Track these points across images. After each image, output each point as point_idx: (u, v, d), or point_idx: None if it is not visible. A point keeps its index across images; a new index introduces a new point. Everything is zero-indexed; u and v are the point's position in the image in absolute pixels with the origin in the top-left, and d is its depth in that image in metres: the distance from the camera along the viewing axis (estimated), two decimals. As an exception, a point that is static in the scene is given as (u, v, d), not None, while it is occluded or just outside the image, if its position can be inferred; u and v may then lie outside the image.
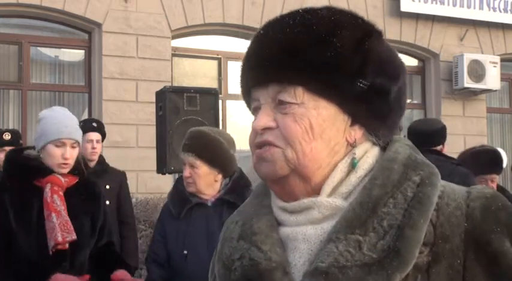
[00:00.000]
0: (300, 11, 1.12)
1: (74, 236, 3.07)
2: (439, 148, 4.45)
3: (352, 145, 1.11)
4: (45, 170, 3.17)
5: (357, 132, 1.11)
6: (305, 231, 1.08)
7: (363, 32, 1.10)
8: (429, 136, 4.40)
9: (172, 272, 3.34)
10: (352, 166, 1.09)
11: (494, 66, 10.60)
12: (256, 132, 1.11)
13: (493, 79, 10.58)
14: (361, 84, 1.07)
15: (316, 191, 1.10)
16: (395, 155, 1.10)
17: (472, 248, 1.02)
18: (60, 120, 3.20)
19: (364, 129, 1.12)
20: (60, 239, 3.03)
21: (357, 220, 1.02)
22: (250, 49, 1.14)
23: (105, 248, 3.38)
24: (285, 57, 1.07)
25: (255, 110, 1.14)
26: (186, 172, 3.33)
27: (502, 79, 11.02)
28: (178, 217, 3.36)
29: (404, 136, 4.18)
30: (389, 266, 0.98)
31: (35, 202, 3.12)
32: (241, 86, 1.18)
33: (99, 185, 3.51)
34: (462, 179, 3.69)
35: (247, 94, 1.16)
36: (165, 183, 8.65)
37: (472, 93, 10.88)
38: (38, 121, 3.32)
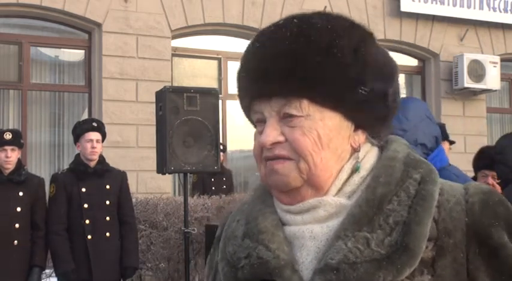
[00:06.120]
0: (295, 20, 1.12)
1: None
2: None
3: (356, 150, 1.14)
4: None
5: (361, 137, 1.15)
6: (312, 229, 1.11)
7: (358, 38, 1.11)
8: None
9: None
10: (356, 169, 1.13)
11: (494, 66, 10.60)
12: (263, 147, 1.12)
13: (493, 79, 10.59)
14: (362, 91, 1.09)
15: (324, 194, 1.13)
16: (394, 154, 1.14)
17: (474, 242, 1.07)
18: None
19: (367, 133, 1.15)
20: None
21: (364, 217, 1.06)
22: (247, 61, 1.14)
23: None
24: (288, 71, 1.08)
25: (257, 122, 1.15)
26: None
27: (502, 79, 11.03)
28: None
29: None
30: (398, 260, 1.02)
31: None
32: (240, 97, 1.18)
33: None
34: None
35: (247, 106, 1.17)
36: (165, 183, 8.65)
37: (472, 93, 10.88)
38: None
